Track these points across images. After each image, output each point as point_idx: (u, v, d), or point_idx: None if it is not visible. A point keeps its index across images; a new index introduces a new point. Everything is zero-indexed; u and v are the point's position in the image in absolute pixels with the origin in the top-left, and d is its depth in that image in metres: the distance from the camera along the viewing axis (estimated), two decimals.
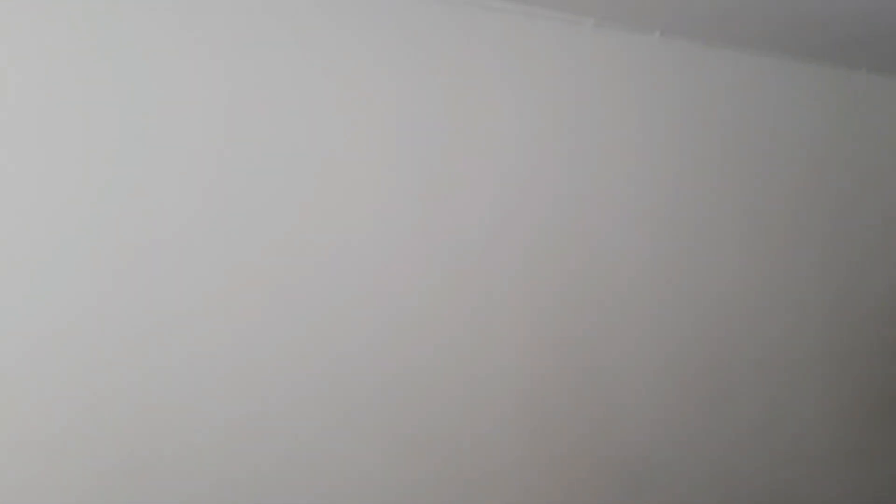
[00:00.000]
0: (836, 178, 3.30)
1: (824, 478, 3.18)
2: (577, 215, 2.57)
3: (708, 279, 2.89)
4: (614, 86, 2.66)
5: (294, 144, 2.08)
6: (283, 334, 2.05)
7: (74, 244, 1.80)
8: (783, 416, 3.08)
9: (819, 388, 3.20)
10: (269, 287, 2.03)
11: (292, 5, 2.09)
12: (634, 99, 2.71)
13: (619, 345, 2.66)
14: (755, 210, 3.03)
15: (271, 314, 2.03)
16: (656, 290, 2.75)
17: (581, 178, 2.58)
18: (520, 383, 2.44)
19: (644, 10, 2.49)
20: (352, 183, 2.17)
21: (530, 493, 2.45)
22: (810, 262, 3.19)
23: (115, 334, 1.83)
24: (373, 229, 2.20)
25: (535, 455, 2.47)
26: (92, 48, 1.83)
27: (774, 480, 3.04)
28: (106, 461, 1.82)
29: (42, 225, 1.77)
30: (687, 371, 2.82)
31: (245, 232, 2.00)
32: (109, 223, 1.83)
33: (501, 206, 2.42)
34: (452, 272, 2.33)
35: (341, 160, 2.15)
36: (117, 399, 1.84)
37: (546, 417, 2.49)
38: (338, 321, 2.13)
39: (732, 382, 2.94)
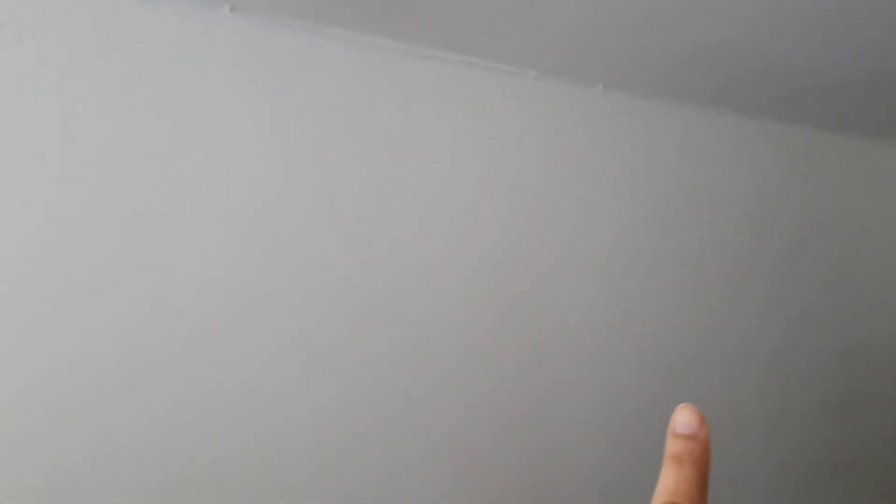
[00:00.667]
0: (778, 233, 3.32)
1: None
2: (516, 263, 2.54)
3: (648, 328, 2.87)
4: (556, 137, 2.64)
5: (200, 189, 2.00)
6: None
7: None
8: (718, 471, 2.98)
9: (754, 447, 3.17)
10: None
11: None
12: (577, 150, 2.69)
13: (556, 388, 2.60)
14: (698, 262, 3.02)
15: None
16: (595, 336, 2.72)
17: (521, 227, 2.55)
18: (447, 423, 2.35)
19: (587, 63, 2.47)
20: (281, 232, 2.10)
21: None
22: (750, 317, 3.19)
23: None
24: (303, 278, 2.13)
25: (460, 499, 2.37)
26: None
27: None
28: None
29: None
30: (624, 417, 2.78)
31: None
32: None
33: (438, 255, 2.38)
34: (381, 312, 2.27)
35: (268, 210, 2.08)
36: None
37: (475, 459, 2.40)
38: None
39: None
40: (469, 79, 2.42)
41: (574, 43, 2.32)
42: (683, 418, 0.47)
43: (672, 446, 0.46)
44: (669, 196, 2.94)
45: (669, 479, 0.44)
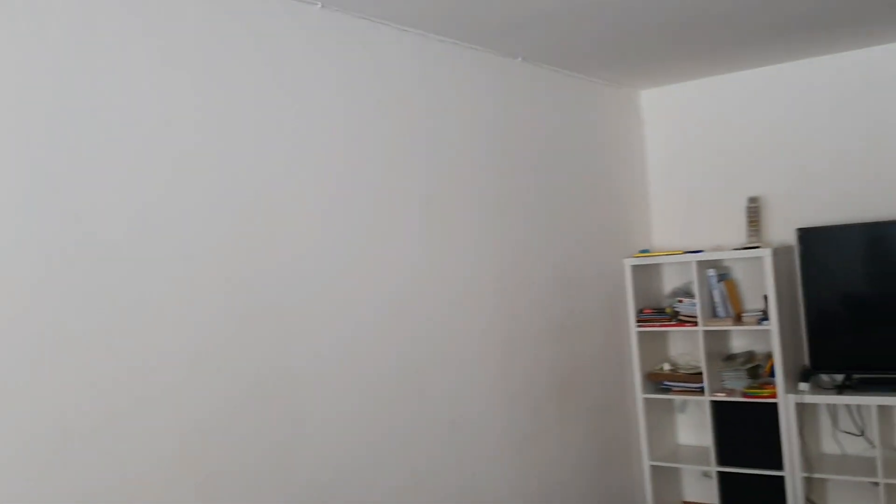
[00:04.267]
0: (498, 167, 3.45)
1: (500, 467, 3.30)
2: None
3: (380, 266, 2.83)
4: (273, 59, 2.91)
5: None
6: None
7: None
8: (466, 411, 3.15)
9: (492, 380, 3.31)
10: None
11: None
12: (293, 71, 3.06)
13: (299, 349, 2.51)
14: (426, 196, 3.04)
15: None
16: (325, 280, 2.62)
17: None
18: (181, 403, 2.17)
19: None
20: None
21: None
22: (479, 251, 3.28)
23: None
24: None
25: (199, 481, 2.19)
26: None
27: (462, 476, 3.09)
28: None
29: None
30: (376, 374, 2.76)
31: None
32: None
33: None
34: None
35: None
36: None
37: (216, 439, 2.25)
38: None
39: (423, 383, 2.95)
40: None
41: None
42: None
43: None
44: (395, 127, 2.93)
45: None
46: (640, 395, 4.23)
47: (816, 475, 3.84)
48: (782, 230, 4.14)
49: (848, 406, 3.93)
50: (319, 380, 2.57)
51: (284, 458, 2.44)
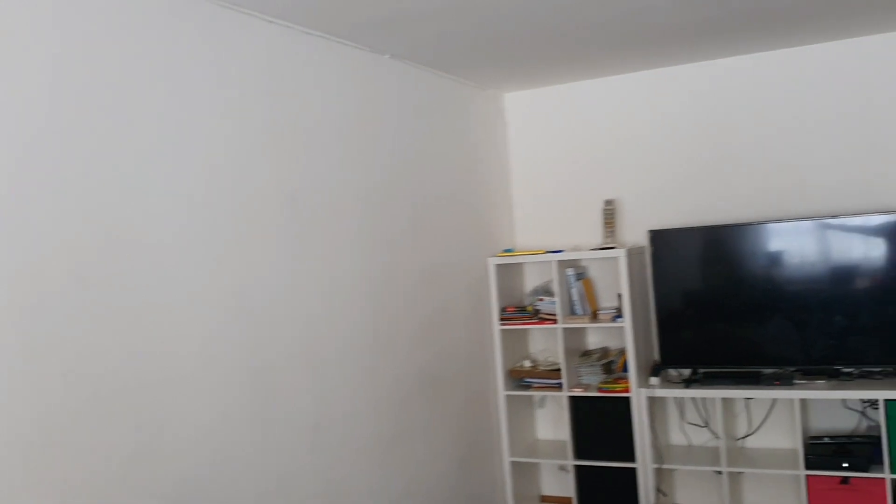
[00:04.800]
0: (366, 164, 3.42)
1: (365, 470, 3.27)
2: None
3: (246, 267, 2.72)
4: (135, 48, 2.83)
5: None
6: None
7: None
8: (332, 412, 3.09)
9: (359, 381, 3.28)
10: None
11: None
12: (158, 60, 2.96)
13: (155, 351, 2.36)
14: (291, 193, 2.95)
15: None
16: (191, 278, 2.50)
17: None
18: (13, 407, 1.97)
19: None
20: None
21: None
22: (342, 248, 3.22)
23: None
24: None
25: (43, 492, 2.02)
26: None
27: (326, 480, 3.04)
28: None
29: None
30: (235, 375, 2.64)
31: None
32: None
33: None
34: None
35: None
36: None
37: (60, 447, 2.07)
38: None
39: (283, 384, 2.85)
40: None
41: None
42: None
43: None
44: (258, 121, 2.82)
45: None
46: (502, 392, 4.30)
47: (666, 466, 4.04)
48: (636, 232, 4.33)
49: (694, 399, 4.16)
50: (176, 383, 2.42)
51: (141, 464, 2.28)
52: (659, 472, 4.03)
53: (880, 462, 3.58)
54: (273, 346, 2.82)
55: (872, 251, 3.79)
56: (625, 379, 4.07)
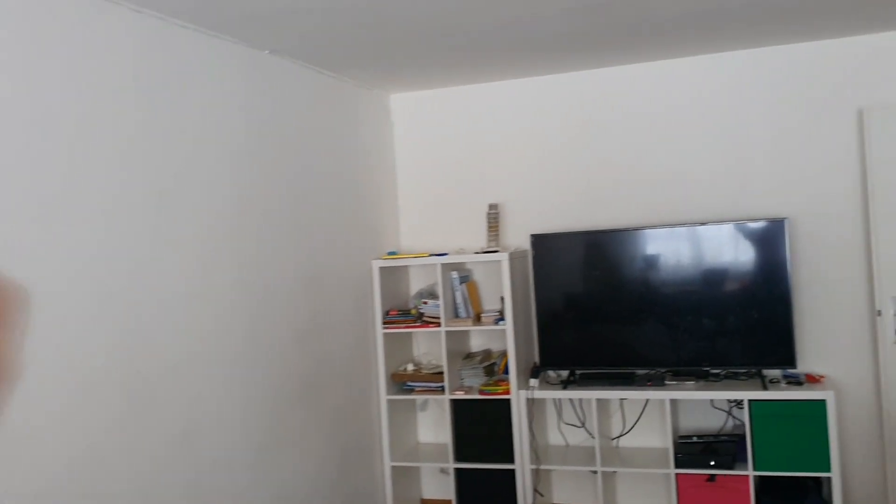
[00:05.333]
0: (242, 160, 3.31)
1: (236, 478, 3.18)
2: None
3: (109, 273, 2.58)
4: None
5: None
6: None
7: None
8: (202, 418, 2.99)
9: (232, 385, 3.18)
10: None
11: None
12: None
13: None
14: (162, 190, 2.83)
15: None
16: (48, 285, 2.34)
17: None
18: None
19: None
20: None
21: None
22: (215, 249, 3.11)
23: None
24: None
25: None
26: None
27: (197, 488, 2.95)
28: None
29: None
30: (95, 377, 2.50)
31: None
32: None
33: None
34: None
35: None
36: None
37: None
38: None
39: (150, 390, 2.73)
40: None
41: None
42: None
43: None
44: (125, 116, 2.68)
45: None
46: (384, 396, 4.25)
47: (543, 467, 4.09)
48: (520, 236, 4.38)
49: (571, 400, 4.24)
50: (34, 388, 2.24)
51: None
52: (537, 473, 4.08)
53: (744, 460, 3.75)
54: (140, 350, 2.68)
55: (739, 257, 3.97)
56: (506, 381, 4.10)
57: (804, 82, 4.00)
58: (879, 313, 3.81)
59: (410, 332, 4.49)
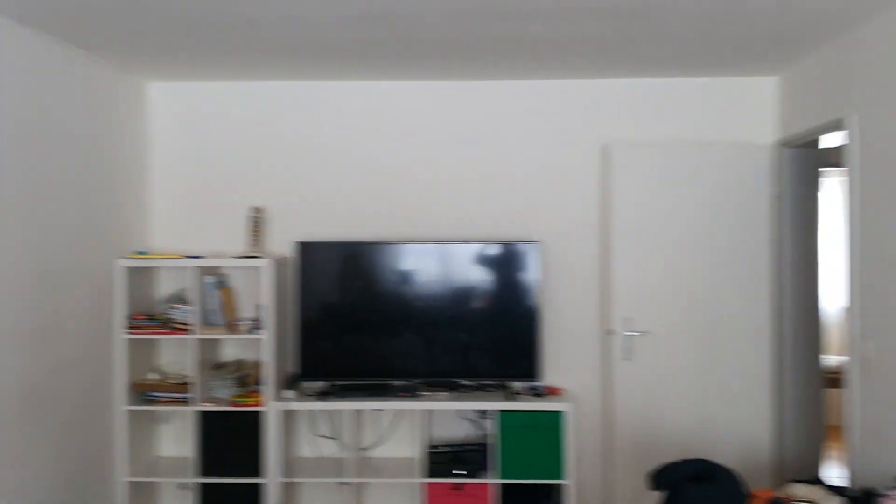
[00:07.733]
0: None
1: None
2: None
3: None
4: None
5: None
6: None
7: None
8: None
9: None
10: None
11: None
12: None
13: None
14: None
15: None
16: None
17: None
18: None
19: None
20: None
21: None
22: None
23: None
24: None
25: None
26: None
27: None
28: None
29: None
30: None
31: None
32: None
33: None
34: None
35: None
36: None
37: None
38: None
39: None
40: None
41: None
42: None
43: None
44: None
45: None
46: (122, 407, 3.92)
47: (293, 480, 3.99)
48: (283, 243, 4.26)
49: (328, 411, 4.18)
50: None
51: None
52: (287, 486, 3.97)
53: (490, 468, 3.92)
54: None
55: (490, 275, 4.17)
56: (258, 392, 3.95)
57: (558, 116, 4.31)
58: (611, 332, 4.18)
59: (156, 339, 4.18)
